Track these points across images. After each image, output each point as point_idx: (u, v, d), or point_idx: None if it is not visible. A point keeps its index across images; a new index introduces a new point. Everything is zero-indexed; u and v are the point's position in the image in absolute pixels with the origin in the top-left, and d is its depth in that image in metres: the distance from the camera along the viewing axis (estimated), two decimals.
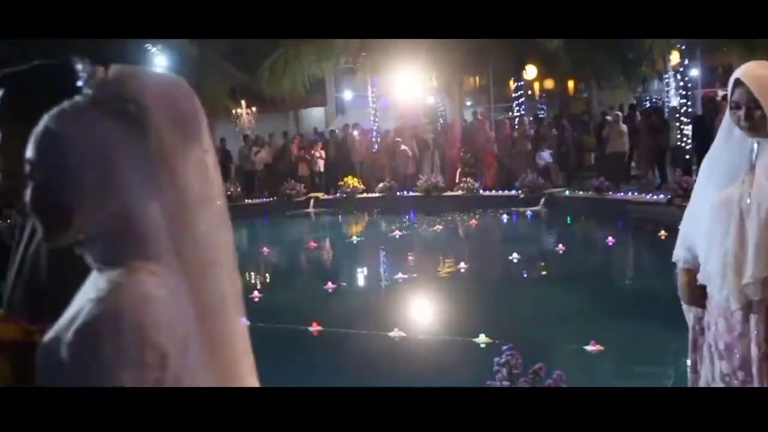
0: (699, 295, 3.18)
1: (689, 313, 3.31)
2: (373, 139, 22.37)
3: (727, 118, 3.05)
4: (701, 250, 3.13)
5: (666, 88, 21.26)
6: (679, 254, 3.28)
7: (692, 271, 3.18)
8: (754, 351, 2.92)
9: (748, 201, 2.91)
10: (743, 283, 2.90)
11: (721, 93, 22.03)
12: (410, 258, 12.75)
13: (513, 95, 23.35)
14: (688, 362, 3.37)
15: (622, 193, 16.26)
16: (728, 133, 3.07)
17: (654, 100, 25.39)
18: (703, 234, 3.10)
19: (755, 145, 2.98)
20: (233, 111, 24.37)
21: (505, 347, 3.93)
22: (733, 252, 2.94)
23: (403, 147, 20.80)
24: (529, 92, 25.51)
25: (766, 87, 2.88)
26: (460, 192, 19.15)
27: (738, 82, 2.95)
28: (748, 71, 2.96)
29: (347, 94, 28.67)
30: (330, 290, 10.13)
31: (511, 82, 23.58)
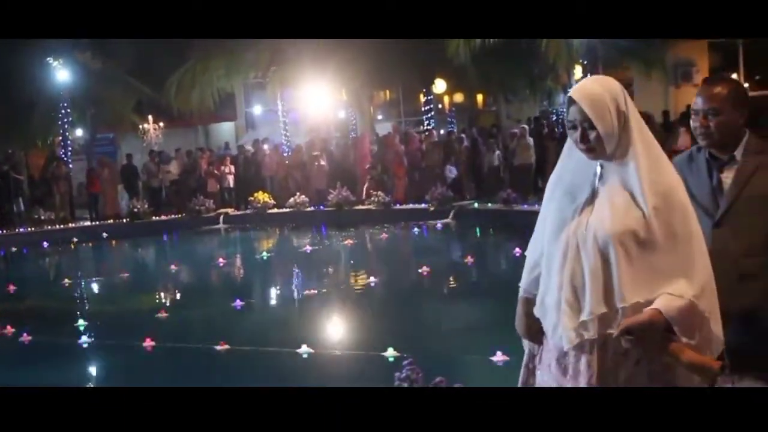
0: (536, 330, 2.87)
1: (526, 348, 3.01)
2: (285, 154, 22.22)
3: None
4: (543, 281, 2.82)
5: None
6: (522, 281, 2.96)
7: (531, 302, 2.87)
8: None
9: (584, 230, 2.64)
10: (580, 320, 2.61)
11: None
12: (321, 273, 12.67)
13: (423, 109, 23.56)
14: None
15: (527, 205, 16.56)
16: (569, 152, 2.80)
17: (560, 112, 26.00)
18: (545, 265, 2.80)
19: (598, 169, 2.70)
20: (140, 126, 23.89)
21: (405, 362, 3.91)
22: (569, 286, 2.65)
23: (322, 162, 20.73)
24: (439, 106, 25.81)
25: (599, 105, 2.61)
26: (370, 206, 19.17)
27: (572, 100, 2.68)
28: (580, 88, 2.69)
29: (257, 109, 28.46)
30: (239, 308, 9.97)
31: (421, 96, 23.80)
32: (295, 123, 24.00)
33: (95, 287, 13.34)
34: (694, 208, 2.75)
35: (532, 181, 19.44)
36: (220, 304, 10.47)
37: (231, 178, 21.55)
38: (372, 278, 11.46)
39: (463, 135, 21.54)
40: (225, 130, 29.32)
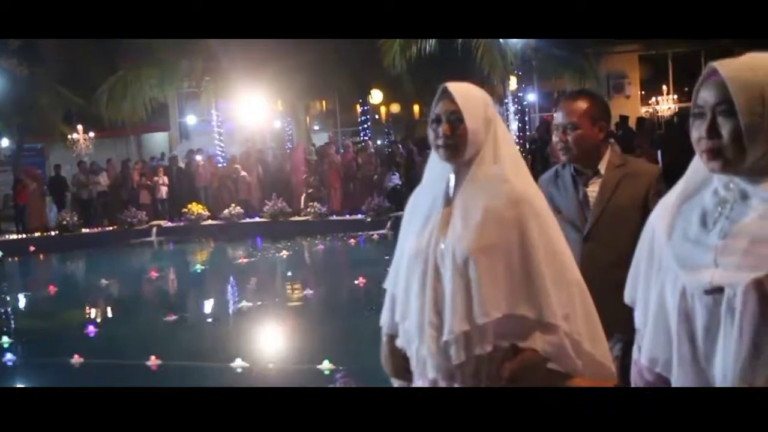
0: (403, 366, 2.66)
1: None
2: (219, 165, 21.91)
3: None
4: (401, 308, 2.63)
5: (506, 113, 22.00)
6: (383, 318, 2.77)
7: (396, 339, 2.68)
8: None
9: (442, 246, 2.47)
10: (443, 341, 2.41)
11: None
12: (256, 285, 12.48)
13: (359, 119, 23.50)
14: None
15: None
16: (428, 173, 2.64)
17: None
18: (403, 290, 2.60)
19: (452, 176, 2.53)
20: (69, 136, 23.29)
21: (338, 374, 3.80)
22: (431, 308, 2.46)
23: (242, 173, 20.47)
24: (376, 116, 25.80)
25: (472, 100, 2.49)
26: (307, 217, 19.01)
27: (444, 94, 2.51)
28: (454, 83, 2.52)
29: (191, 119, 28.03)
30: (171, 321, 9.72)
31: (358, 107, 23.76)
32: (230, 133, 23.70)
33: (21, 302, 12.89)
34: (563, 224, 2.74)
35: None
36: (153, 319, 10.21)
37: (164, 189, 21.14)
38: (308, 290, 11.33)
39: (400, 145, 21.56)
40: (158, 140, 28.82)
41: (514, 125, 19.88)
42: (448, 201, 2.53)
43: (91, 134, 23.46)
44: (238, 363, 7.40)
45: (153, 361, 7.65)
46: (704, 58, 22.98)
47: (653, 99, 23.68)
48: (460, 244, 2.42)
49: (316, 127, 28.29)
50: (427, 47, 18.27)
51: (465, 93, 2.50)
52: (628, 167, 3.37)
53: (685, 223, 1.76)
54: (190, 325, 10.13)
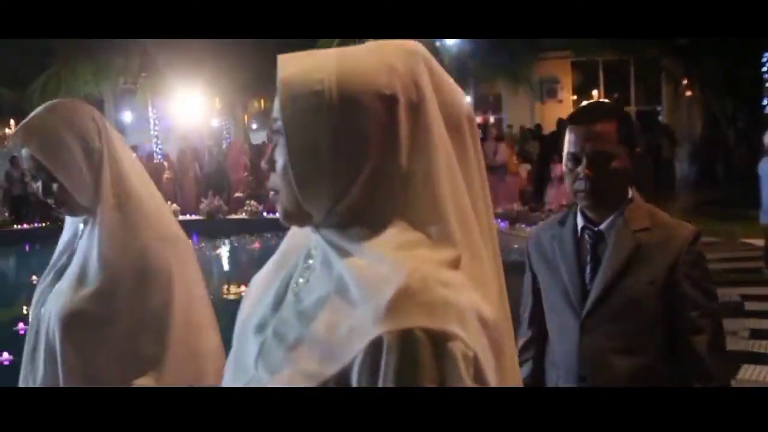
0: None
1: None
2: (159, 161, 21.75)
3: None
4: None
5: None
6: None
7: None
8: None
9: (41, 308, 2.17)
10: None
11: (491, 119, 23.59)
12: None
13: None
14: None
15: None
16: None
17: None
18: None
19: (80, 228, 2.20)
20: (0, 131, 22.86)
21: None
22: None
23: (166, 174, 20.32)
24: None
25: (54, 143, 2.02)
26: (243, 215, 19.02)
27: (26, 141, 2.06)
28: (26, 125, 2.05)
29: (127, 116, 27.70)
30: None
31: None
32: (166, 131, 23.54)
33: None
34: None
35: None
36: None
37: None
38: (244, 288, 11.37)
39: None
40: None
41: None
42: (71, 253, 2.18)
43: None
44: None
45: None
46: (633, 65, 23.73)
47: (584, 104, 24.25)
48: (54, 308, 2.06)
49: (254, 126, 28.21)
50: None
51: (41, 136, 2.01)
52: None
53: None
54: None
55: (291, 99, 1.10)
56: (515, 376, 1.19)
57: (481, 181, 1.17)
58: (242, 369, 1.20)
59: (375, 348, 1.01)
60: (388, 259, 1.04)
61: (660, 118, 23.81)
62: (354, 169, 1.09)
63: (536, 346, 2.57)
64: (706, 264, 2.31)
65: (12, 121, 22.82)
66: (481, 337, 1.05)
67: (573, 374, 2.33)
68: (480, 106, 25.27)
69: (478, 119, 24.28)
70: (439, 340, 1.00)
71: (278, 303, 1.22)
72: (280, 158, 1.16)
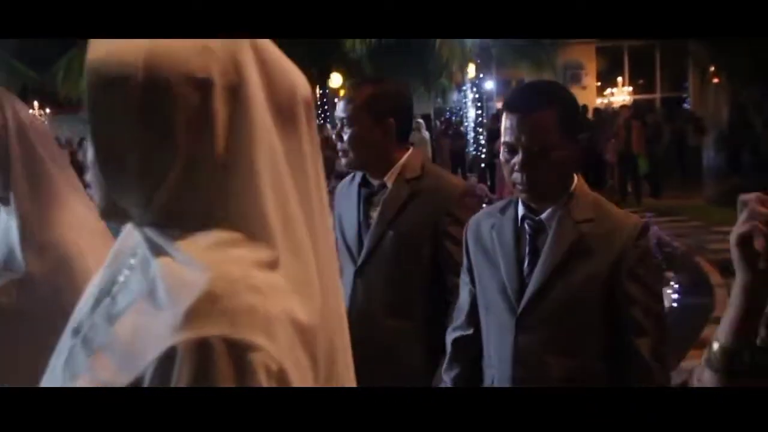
0: None
1: None
2: None
3: None
4: None
5: (464, 100, 22.19)
6: None
7: None
8: None
9: None
10: None
11: None
12: None
13: (318, 103, 23.52)
14: None
15: None
16: None
17: (455, 110, 26.47)
18: None
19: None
20: None
21: None
22: None
23: None
24: (336, 100, 25.81)
25: None
26: None
27: None
28: None
29: None
30: None
31: (317, 90, 23.76)
32: None
33: None
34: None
35: None
36: None
37: None
38: None
39: None
40: None
41: (472, 113, 20.06)
42: None
43: (47, 110, 23.21)
44: None
45: None
46: (659, 51, 23.42)
47: (608, 90, 24.03)
48: None
49: None
50: None
51: None
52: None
53: None
54: None
55: (95, 84, 0.99)
56: (350, 381, 1.11)
57: (316, 176, 1.08)
58: (53, 374, 1.10)
59: (167, 358, 0.90)
60: (197, 260, 0.95)
61: (686, 105, 23.52)
62: (165, 161, 0.98)
63: (474, 345, 2.35)
64: (652, 260, 2.19)
65: (35, 103, 22.98)
66: (294, 348, 0.95)
67: (507, 376, 2.17)
68: (502, 90, 25.11)
69: (498, 103, 24.10)
70: (239, 351, 0.90)
71: (97, 305, 1.11)
72: (89, 150, 1.04)
